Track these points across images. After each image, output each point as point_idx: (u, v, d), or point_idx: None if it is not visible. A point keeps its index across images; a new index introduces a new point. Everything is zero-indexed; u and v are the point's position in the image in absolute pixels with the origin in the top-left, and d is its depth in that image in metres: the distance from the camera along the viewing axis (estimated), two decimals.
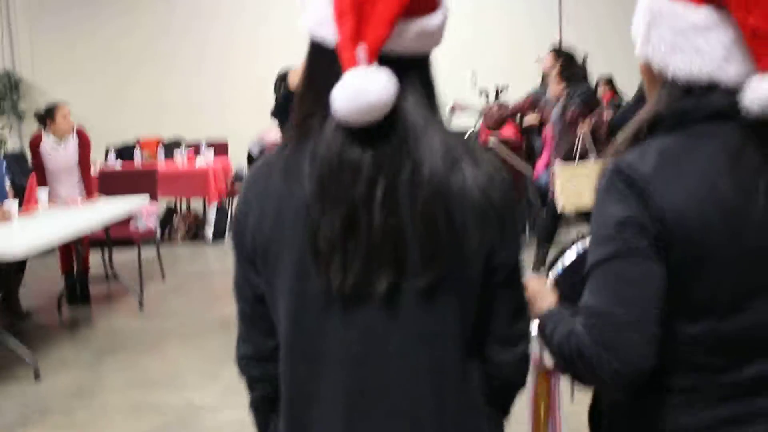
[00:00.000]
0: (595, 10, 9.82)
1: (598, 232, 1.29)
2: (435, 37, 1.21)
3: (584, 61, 8.64)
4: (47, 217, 5.71)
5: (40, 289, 7.02)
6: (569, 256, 1.59)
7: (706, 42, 1.26)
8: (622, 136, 1.37)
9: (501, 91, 8.56)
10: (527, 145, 7.84)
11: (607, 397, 1.44)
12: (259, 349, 1.33)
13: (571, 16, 10.10)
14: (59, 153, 6.34)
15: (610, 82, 9.07)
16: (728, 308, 1.28)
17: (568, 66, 6.18)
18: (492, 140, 7.65)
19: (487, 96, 8.56)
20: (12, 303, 6.08)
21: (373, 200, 1.15)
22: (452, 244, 1.18)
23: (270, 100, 6.30)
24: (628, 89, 8.69)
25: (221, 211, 8.91)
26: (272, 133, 7.40)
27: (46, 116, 6.32)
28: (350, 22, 1.12)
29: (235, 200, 1.33)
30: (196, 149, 9.29)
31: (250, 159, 8.77)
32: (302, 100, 1.24)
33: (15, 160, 9.22)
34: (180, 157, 8.99)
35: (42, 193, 5.87)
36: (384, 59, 1.13)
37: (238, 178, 9.17)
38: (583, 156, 5.89)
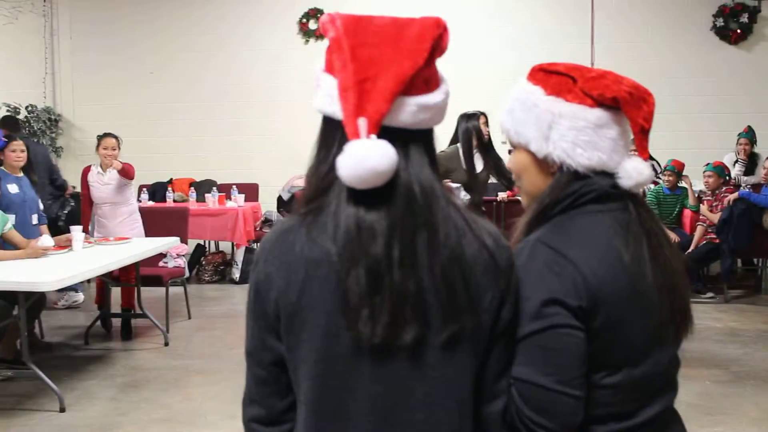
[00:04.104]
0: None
1: (526, 308, 1.41)
2: (435, 113, 1.30)
3: None
4: (79, 253, 5.85)
5: (68, 323, 7.14)
6: None
7: (600, 137, 1.50)
8: (524, 219, 1.58)
9: None
10: None
11: None
12: (271, 412, 1.36)
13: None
14: (103, 182, 6.62)
15: None
16: (638, 358, 1.48)
17: None
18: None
19: None
20: (31, 335, 6.17)
21: (391, 260, 1.23)
22: (468, 301, 1.28)
23: (301, 146, 6.43)
24: None
25: (249, 253, 9.01)
26: (302, 179, 7.56)
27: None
28: (353, 98, 1.22)
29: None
30: (227, 193, 9.42)
31: (280, 203, 8.90)
32: (317, 170, 1.33)
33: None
34: (211, 198, 9.13)
35: (76, 232, 6.01)
36: (386, 131, 1.24)
37: (267, 221, 9.30)
38: None
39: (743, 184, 8.59)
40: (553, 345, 1.40)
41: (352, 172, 1.21)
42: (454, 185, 5.71)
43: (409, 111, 1.26)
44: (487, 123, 6.05)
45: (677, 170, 8.31)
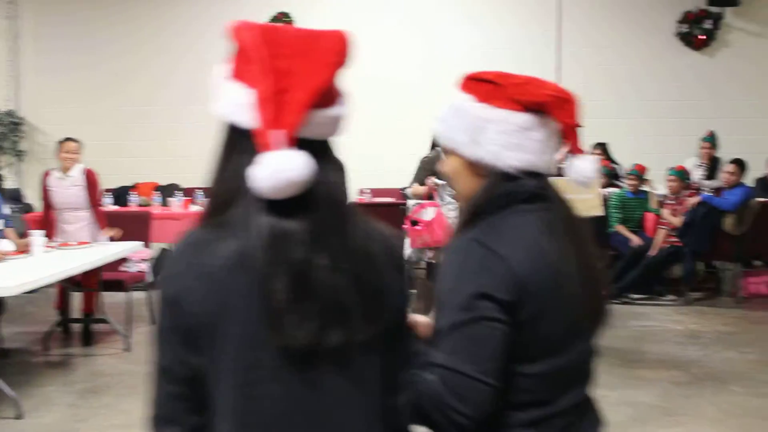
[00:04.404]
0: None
1: (454, 300, 1.51)
2: (339, 124, 1.36)
3: None
4: (40, 258, 5.78)
5: (28, 328, 7.06)
6: None
7: (528, 139, 1.60)
8: (461, 218, 1.66)
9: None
10: None
11: None
12: (186, 430, 1.31)
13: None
14: (63, 187, 6.53)
15: (603, 149, 9.19)
16: (560, 349, 1.57)
17: None
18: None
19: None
20: None
21: (314, 265, 1.26)
22: (383, 301, 1.34)
23: None
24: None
25: None
26: None
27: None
28: (270, 109, 1.24)
29: None
30: (192, 197, 9.34)
31: None
32: (222, 180, 1.34)
33: (12, 200, 9.32)
34: (176, 202, 9.07)
35: (37, 236, 5.93)
36: (299, 143, 1.25)
37: None
38: None
39: (705, 188, 8.69)
40: (478, 336, 1.48)
41: (268, 182, 1.23)
42: (441, 182, 5.74)
43: (319, 123, 1.30)
44: None
45: (640, 174, 8.41)
